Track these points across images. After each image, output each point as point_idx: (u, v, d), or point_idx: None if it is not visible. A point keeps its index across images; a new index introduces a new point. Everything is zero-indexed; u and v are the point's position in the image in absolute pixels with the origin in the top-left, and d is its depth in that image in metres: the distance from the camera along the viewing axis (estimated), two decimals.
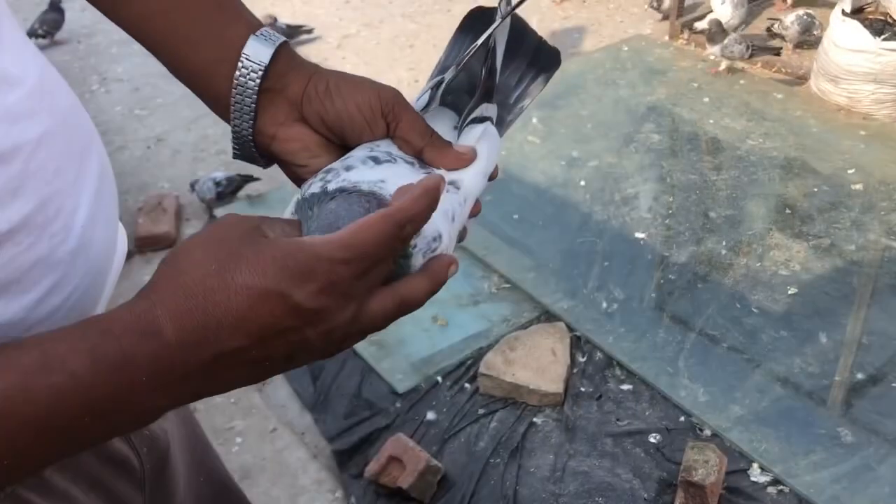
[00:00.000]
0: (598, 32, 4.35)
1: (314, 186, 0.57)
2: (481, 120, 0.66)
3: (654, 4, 4.12)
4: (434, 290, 0.54)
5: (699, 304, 2.39)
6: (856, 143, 3.09)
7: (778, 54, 3.66)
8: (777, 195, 2.86)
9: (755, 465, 1.91)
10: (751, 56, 3.55)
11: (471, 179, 0.63)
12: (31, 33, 4.30)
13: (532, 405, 2.10)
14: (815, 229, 2.66)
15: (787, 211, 2.77)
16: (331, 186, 0.56)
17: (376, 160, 0.59)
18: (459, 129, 0.66)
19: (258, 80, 0.61)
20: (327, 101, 0.62)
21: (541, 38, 0.73)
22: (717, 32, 3.57)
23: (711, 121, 3.31)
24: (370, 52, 4.35)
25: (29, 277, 0.51)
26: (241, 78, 0.61)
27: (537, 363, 2.14)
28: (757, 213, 2.77)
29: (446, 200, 0.58)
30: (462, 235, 0.63)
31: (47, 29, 4.38)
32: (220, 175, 2.96)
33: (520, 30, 0.71)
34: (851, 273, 2.49)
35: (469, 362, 2.23)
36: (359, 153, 0.60)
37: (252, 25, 0.64)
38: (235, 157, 0.67)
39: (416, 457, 1.91)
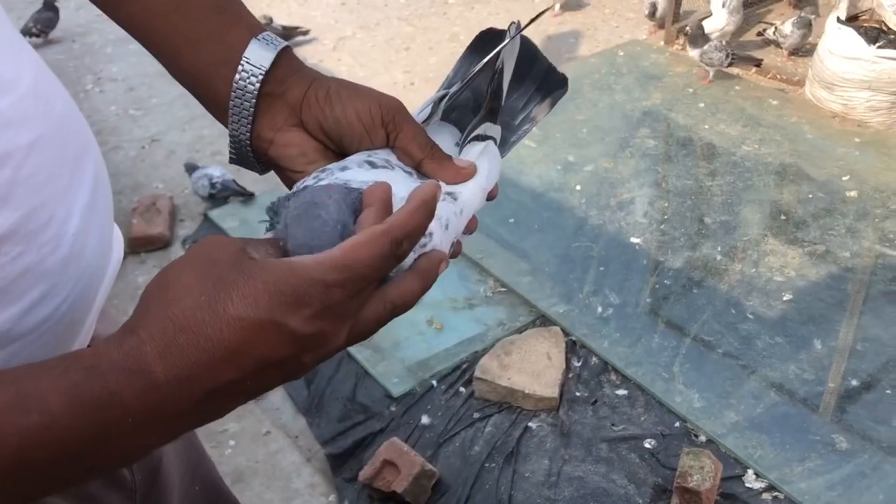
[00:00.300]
0: (594, 37, 4.36)
1: (306, 181, 0.56)
2: (483, 138, 0.65)
3: (648, 12, 4.12)
4: (425, 290, 0.53)
5: (694, 310, 2.39)
6: (850, 150, 3.10)
7: (759, 65, 3.66)
8: (772, 201, 2.87)
9: (750, 472, 1.91)
10: (730, 64, 3.55)
11: (469, 192, 0.62)
12: (25, 32, 4.28)
13: (527, 410, 2.10)
14: (809, 236, 2.67)
15: (782, 217, 2.77)
16: (322, 184, 0.54)
17: (372, 164, 0.58)
18: (461, 146, 0.65)
19: (258, 85, 0.60)
20: (327, 107, 0.61)
21: (549, 63, 0.72)
22: (699, 36, 3.58)
23: (707, 126, 3.31)
24: (366, 55, 4.35)
25: (16, 287, 0.50)
26: (240, 81, 0.60)
27: (533, 367, 2.14)
28: (752, 219, 2.77)
29: (441, 207, 0.57)
30: (456, 251, 0.61)
31: (41, 28, 4.36)
32: (217, 173, 2.94)
33: (529, 54, 0.71)
34: (846, 280, 2.49)
35: (464, 366, 2.23)
36: (356, 157, 0.59)
37: (254, 28, 0.63)
38: (232, 161, 0.65)
39: (410, 461, 1.90)
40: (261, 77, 0.60)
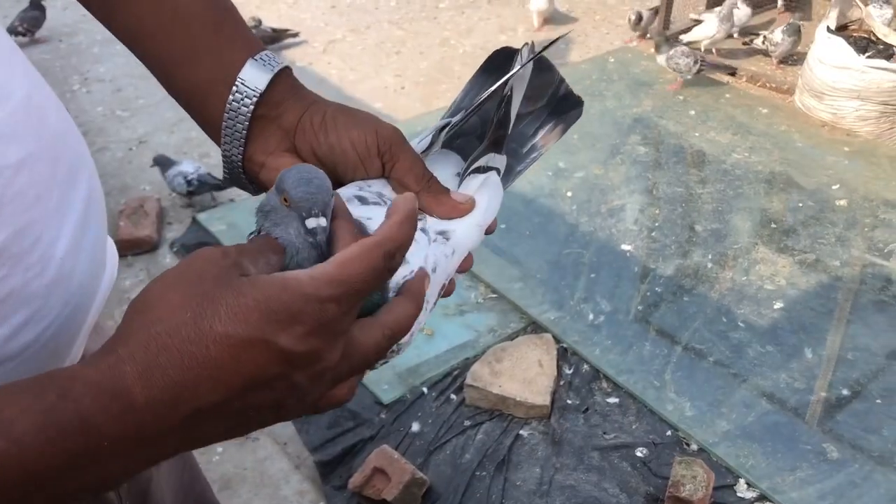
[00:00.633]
0: (585, 44, 4.36)
1: None
2: (486, 170, 0.62)
3: (633, 21, 4.10)
4: (418, 311, 0.51)
5: (685, 318, 2.39)
6: (840, 159, 3.11)
7: (733, 74, 3.67)
8: (762, 209, 2.87)
9: (742, 481, 1.90)
10: (699, 72, 3.55)
11: (464, 231, 0.59)
12: (11, 31, 4.24)
13: (518, 417, 2.09)
14: (800, 244, 2.67)
15: (773, 225, 2.78)
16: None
17: (363, 200, 0.56)
18: (462, 177, 0.63)
19: (251, 107, 0.58)
20: (321, 134, 0.59)
21: (568, 86, 0.69)
22: (664, 42, 3.58)
23: (697, 134, 3.32)
24: (356, 58, 4.33)
25: None
26: (234, 103, 0.58)
27: (524, 375, 2.13)
28: (742, 227, 2.77)
29: (430, 249, 0.55)
30: (449, 289, 0.59)
31: (27, 27, 4.32)
32: (190, 169, 2.91)
33: (547, 76, 0.68)
34: (836, 289, 2.50)
35: (455, 373, 2.21)
36: (347, 191, 0.57)
37: (252, 47, 0.61)
38: (225, 181, 0.64)
39: (401, 469, 1.88)
40: (255, 99, 0.58)
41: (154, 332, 0.41)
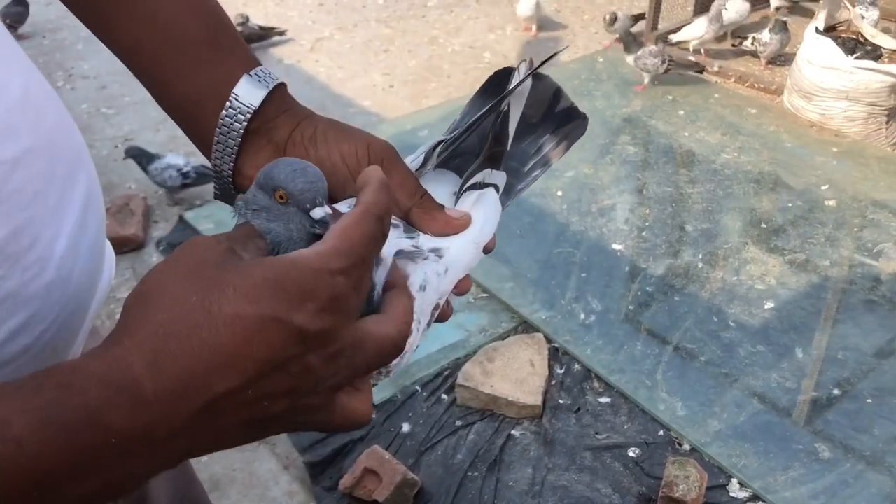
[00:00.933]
0: (573, 43, 4.36)
1: None
2: (482, 186, 0.61)
3: (607, 19, 4.04)
4: (411, 299, 0.49)
5: (676, 318, 2.38)
6: (828, 160, 3.12)
7: (701, 72, 3.67)
8: (752, 209, 2.87)
9: (734, 481, 1.90)
10: (667, 70, 3.55)
11: (459, 249, 0.57)
12: None
13: (510, 417, 2.07)
14: (789, 244, 2.68)
15: (763, 225, 2.78)
16: None
17: None
18: (458, 194, 0.61)
19: (245, 123, 0.57)
20: (311, 148, 0.58)
21: (572, 102, 0.68)
22: (632, 42, 3.58)
23: (686, 133, 3.32)
24: (344, 56, 4.31)
25: None
26: (226, 119, 0.58)
27: (516, 375, 2.11)
28: (732, 227, 2.77)
29: (422, 267, 0.53)
30: (445, 313, 0.57)
31: (10, 22, 4.26)
32: (182, 161, 2.88)
33: (550, 94, 0.66)
34: (826, 288, 2.50)
35: (446, 373, 2.20)
36: (339, 207, 0.55)
37: (247, 63, 0.60)
38: (217, 197, 0.63)
39: (392, 469, 1.86)
40: (248, 116, 0.57)
41: (161, 320, 0.38)
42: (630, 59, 3.57)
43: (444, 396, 2.14)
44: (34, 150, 0.48)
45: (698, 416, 2.06)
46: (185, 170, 2.84)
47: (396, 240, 0.55)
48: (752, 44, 3.83)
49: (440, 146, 0.62)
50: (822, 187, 2.95)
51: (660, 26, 4.04)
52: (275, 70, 4.21)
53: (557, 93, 0.67)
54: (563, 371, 2.20)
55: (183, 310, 0.38)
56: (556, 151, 0.67)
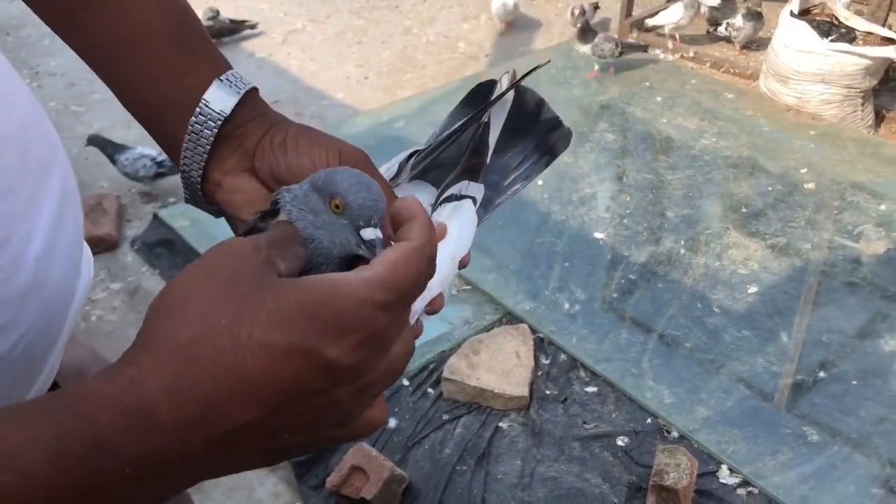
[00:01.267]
0: (548, 31, 4.34)
1: None
2: (459, 198, 0.59)
3: (576, 14, 3.90)
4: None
5: (660, 305, 2.37)
6: (806, 143, 3.12)
7: (645, 51, 3.68)
8: (732, 194, 2.87)
9: (724, 467, 1.89)
10: (620, 54, 3.56)
11: None
12: None
13: (497, 409, 2.05)
14: (770, 228, 2.68)
15: (743, 210, 2.78)
16: None
17: None
18: (434, 206, 0.59)
19: (215, 130, 0.55)
20: (280, 153, 0.55)
21: (556, 116, 0.66)
22: (587, 32, 3.56)
23: (664, 120, 3.31)
24: (316, 48, 4.25)
25: None
26: (196, 125, 0.55)
27: (501, 366, 2.09)
28: (713, 213, 2.77)
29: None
30: (416, 331, 0.54)
31: None
32: (153, 152, 2.82)
33: (534, 108, 0.65)
34: (808, 272, 2.50)
35: (431, 366, 2.17)
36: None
37: (218, 66, 0.57)
38: (187, 202, 0.60)
39: (379, 466, 1.83)
40: (219, 123, 0.55)
41: (183, 341, 0.36)
42: (586, 48, 3.55)
43: (430, 390, 2.11)
44: (4, 143, 0.45)
45: (686, 403, 2.05)
46: (160, 159, 2.79)
47: None
48: (727, 29, 3.83)
49: (414, 156, 0.60)
50: (801, 170, 2.95)
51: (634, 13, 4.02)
52: (246, 64, 4.11)
53: (540, 105, 0.65)
54: (548, 361, 2.18)
55: (209, 332, 0.36)
56: (538, 166, 0.65)
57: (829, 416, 2.03)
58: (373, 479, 1.82)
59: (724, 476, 1.88)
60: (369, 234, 0.44)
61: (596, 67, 3.60)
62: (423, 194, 0.60)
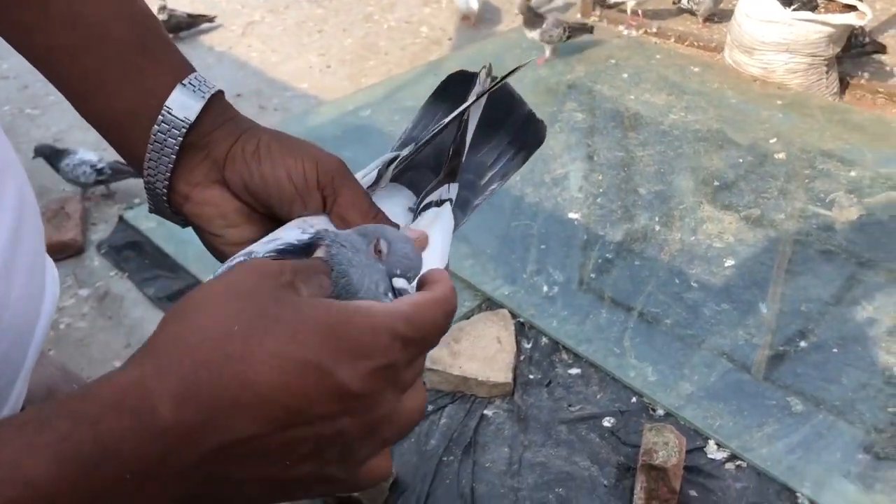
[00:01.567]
0: (511, 12, 4.30)
1: (231, 262, 0.46)
2: (439, 203, 0.56)
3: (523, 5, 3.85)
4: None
5: (638, 282, 2.36)
6: (774, 113, 3.13)
7: (591, 32, 3.63)
8: (703, 168, 2.87)
9: (711, 442, 1.89)
10: (568, 37, 3.53)
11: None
12: None
13: (482, 397, 2.03)
14: (743, 200, 2.68)
15: (715, 183, 2.77)
16: None
17: None
18: (416, 213, 0.56)
19: (180, 139, 0.51)
20: (253, 163, 0.52)
21: (530, 110, 0.64)
22: (533, 17, 3.53)
23: (632, 97, 3.29)
24: (276, 39, 4.18)
25: None
26: (159, 134, 0.51)
27: (484, 353, 2.07)
28: (686, 187, 2.76)
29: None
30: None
31: None
32: (95, 157, 2.75)
33: (506, 101, 0.62)
34: (783, 242, 2.51)
35: None
36: (287, 234, 0.49)
37: (180, 70, 0.53)
38: (151, 212, 0.57)
39: None
40: (184, 130, 0.51)
41: (192, 343, 0.34)
42: (534, 34, 3.51)
43: None
44: None
45: (669, 380, 2.05)
46: (100, 166, 2.72)
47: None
48: (688, 2, 3.82)
49: (395, 163, 0.57)
50: (770, 141, 2.96)
51: None
52: (206, 58, 4.02)
53: (513, 98, 0.63)
54: (530, 346, 2.16)
55: (220, 337, 0.34)
56: (515, 163, 0.62)
57: (811, 385, 2.03)
58: None
59: (712, 451, 1.87)
60: (401, 283, 0.44)
61: (547, 54, 3.56)
62: (401, 198, 0.58)
